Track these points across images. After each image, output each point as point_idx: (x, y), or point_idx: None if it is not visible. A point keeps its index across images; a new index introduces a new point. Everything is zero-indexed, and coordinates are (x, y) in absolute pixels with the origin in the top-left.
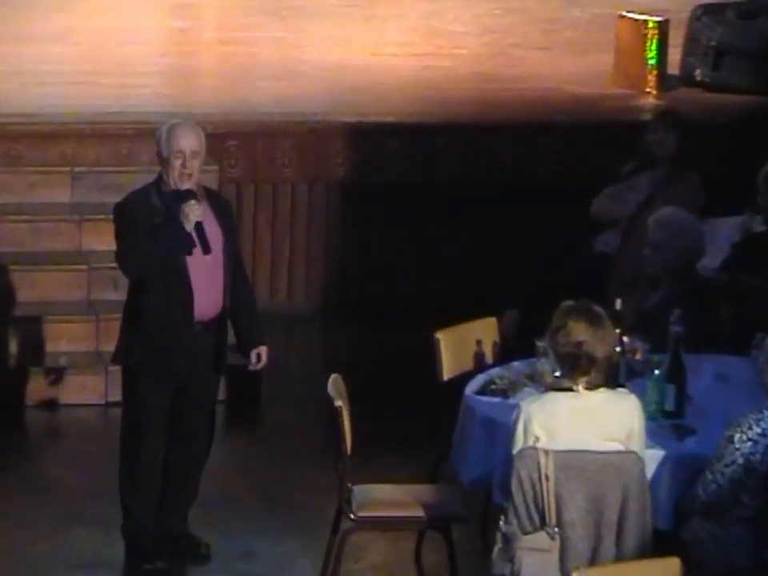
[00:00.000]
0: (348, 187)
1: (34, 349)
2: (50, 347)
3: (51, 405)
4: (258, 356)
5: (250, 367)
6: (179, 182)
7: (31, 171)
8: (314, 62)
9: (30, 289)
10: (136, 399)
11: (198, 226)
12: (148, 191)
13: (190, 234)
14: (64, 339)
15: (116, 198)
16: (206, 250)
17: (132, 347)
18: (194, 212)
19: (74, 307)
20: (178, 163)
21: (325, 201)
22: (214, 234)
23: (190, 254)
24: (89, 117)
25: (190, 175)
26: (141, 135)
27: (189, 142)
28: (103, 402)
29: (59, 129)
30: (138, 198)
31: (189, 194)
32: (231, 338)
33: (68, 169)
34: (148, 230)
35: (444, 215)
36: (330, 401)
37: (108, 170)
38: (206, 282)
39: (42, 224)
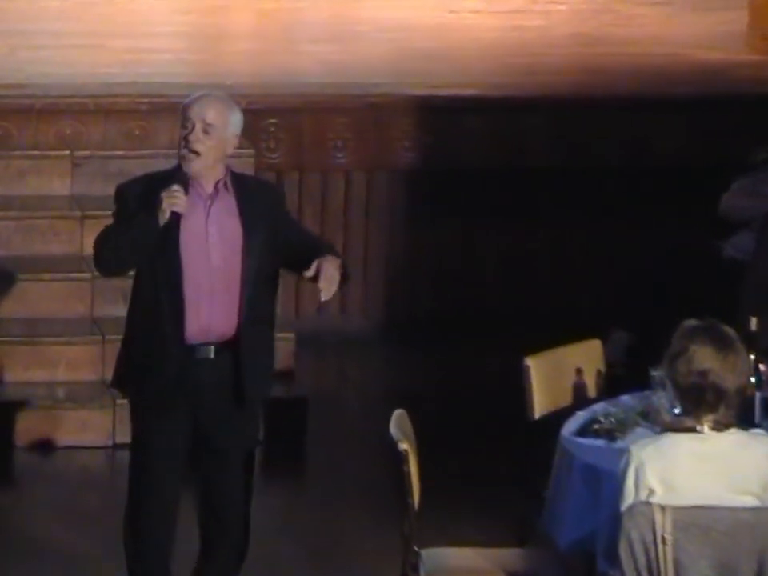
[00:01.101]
0: (416, 176)
1: (24, 377)
2: (44, 375)
3: (46, 446)
4: (320, 265)
5: (306, 273)
6: (182, 161)
7: (21, 156)
8: (374, 21)
9: (18, 302)
10: (137, 436)
11: (174, 222)
12: (165, 175)
13: (156, 229)
14: (61, 365)
15: None
16: (171, 252)
17: (125, 371)
18: (171, 201)
19: (74, 326)
20: (183, 134)
21: (387, 193)
22: (231, 234)
23: (161, 252)
24: (92, 88)
25: (196, 153)
26: (157, 111)
27: (202, 110)
28: (110, 444)
29: (56, 103)
30: (145, 180)
31: (181, 178)
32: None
33: (67, 153)
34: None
35: (535, 211)
36: (392, 443)
37: (116, 154)
38: (212, 294)
39: (34, 221)
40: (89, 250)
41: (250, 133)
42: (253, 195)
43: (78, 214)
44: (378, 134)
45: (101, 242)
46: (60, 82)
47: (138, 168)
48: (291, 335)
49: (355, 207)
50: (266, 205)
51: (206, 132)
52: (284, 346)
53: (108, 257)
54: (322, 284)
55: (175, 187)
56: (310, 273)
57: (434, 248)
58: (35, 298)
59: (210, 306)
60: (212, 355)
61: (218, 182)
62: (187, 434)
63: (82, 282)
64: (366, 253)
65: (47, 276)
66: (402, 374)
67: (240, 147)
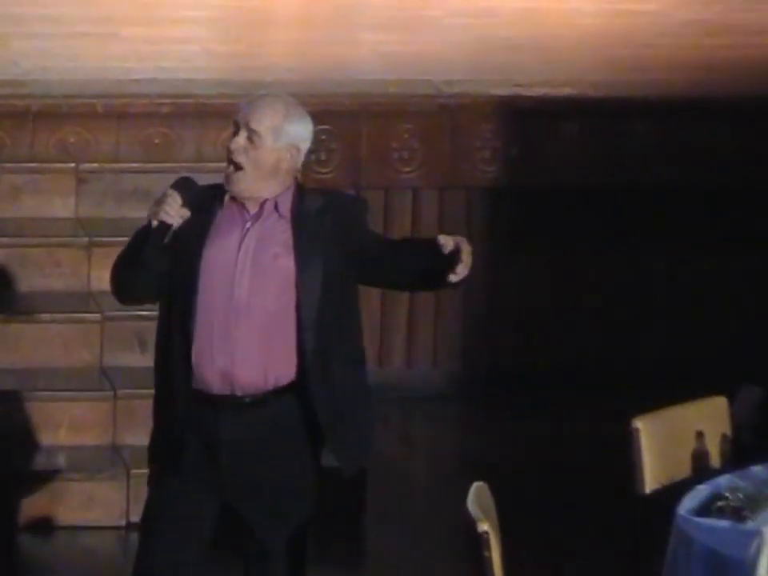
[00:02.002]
0: (499, 196)
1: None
2: (43, 438)
3: (44, 526)
4: (456, 244)
5: (444, 248)
6: (224, 175)
7: (14, 169)
8: (447, 4)
9: (11, 349)
10: (146, 503)
11: (197, 245)
12: (213, 188)
13: (150, 243)
14: (64, 427)
15: (142, 211)
16: (188, 282)
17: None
18: (163, 207)
19: (80, 377)
20: (231, 137)
21: (464, 215)
22: (271, 267)
23: (149, 267)
24: (102, 87)
25: (238, 166)
26: (181, 115)
27: (249, 114)
28: (122, 524)
29: (57, 105)
30: (196, 191)
31: (209, 191)
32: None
33: (71, 166)
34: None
35: (644, 238)
36: (470, 523)
37: (131, 167)
38: (231, 337)
39: (30, 250)
40: (97, 284)
41: None
42: (318, 217)
43: (85, 240)
44: (453, 143)
45: (115, 263)
46: (62, 79)
47: (158, 184)
48: None
49: (423, 233)
50: (335, 225)
51: (250, 140)
52: None
53: (114, 272)
54: (464, 257)
55: (169, 191)
56: (448, 246)
57: (520, 284)
58: (31, 343)
59: (230, 350)
60: (240, 410)
61: (264, 202)
62: (210, 505)
63: (88, 324)
64: (439, 294)
65: (46, 316)
66: (480, 437)
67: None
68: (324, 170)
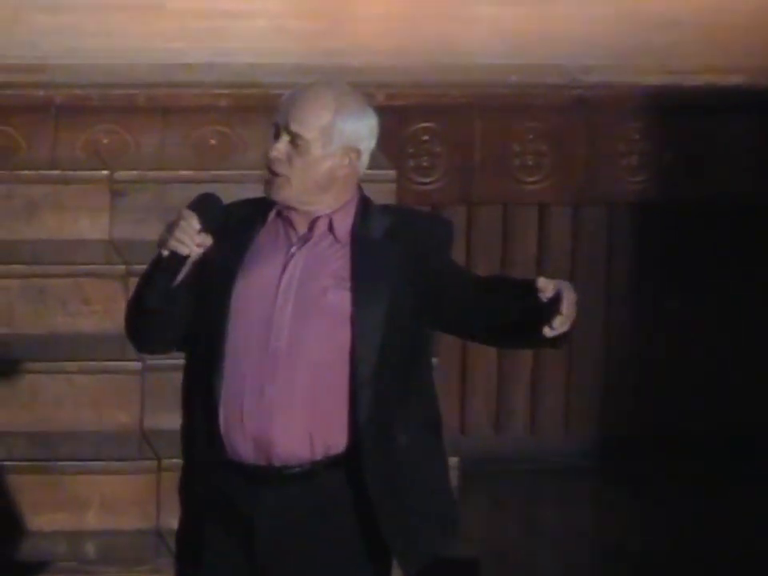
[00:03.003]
0: (650, 213)
1: (34, 524)
2: (66, 521)
3: None
4: (557, 290)
5: (543, 294)
6: (264, 186)
7: (32, 179)
8: None
9: (28, 407)
10: None
11: (228, 274)
12: (258, 204)
13: (163, 276)
14: (94, 507)
15: None
16: (216, 319)
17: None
18: (175, 233)
19: (115, 443)
20: (271, 142)
21: (604, 238)
22: (320, 301)
23: (159, 309)
24: (144, 74)
25: (278, 176)
26: (245, 110)
27: (289, 113)
28: None
29: (86, 97)
30: (240, 206)
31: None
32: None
33: (104, 174)
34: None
35: None
36: None
37: (180, 176)
38: (268, 393)
39: (51, 282)
40: None
41: (390, 144)
42: (385, 242)
43: (121, 269)
44: (590, 146)
45: (131, 297)
46: (93, 64)
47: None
48: (454, 461)
49: (553, 260)
50: (407, 253)
51: (294, 145)
52: None
53: (126, 316)
54: (564, 309)
55: (184, 212)
56: (548, 293)
57: (674, 327)
58: (52, 399)
59: (266, 411)
60: (279, 486)
61: (316, 220)
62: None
63: (126, 375)
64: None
65: (71, 366)
66: (621, 522)
67: (374, 167)
68: (426, 181)
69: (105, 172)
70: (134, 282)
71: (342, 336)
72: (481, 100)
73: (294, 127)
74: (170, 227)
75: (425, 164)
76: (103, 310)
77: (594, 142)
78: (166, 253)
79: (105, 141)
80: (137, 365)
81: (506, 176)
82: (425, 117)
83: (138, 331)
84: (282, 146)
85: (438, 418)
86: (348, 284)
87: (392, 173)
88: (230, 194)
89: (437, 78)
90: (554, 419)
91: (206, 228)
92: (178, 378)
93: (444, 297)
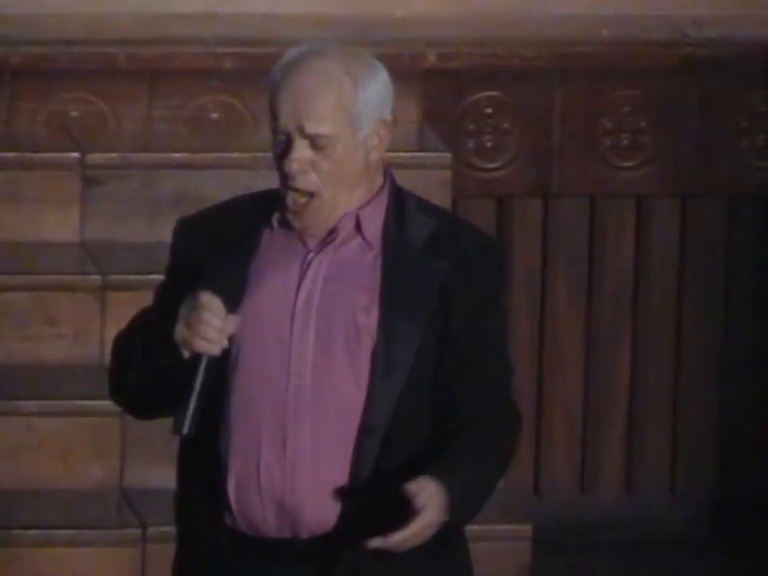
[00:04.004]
0: None
1: None
2: None
3: None
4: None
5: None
6: (288, 212)
7: None
8: None
9: None
10: None
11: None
12: (261, 200)
13: (176, 366)
14: None
15: None
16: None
17: None
18: (198, 330)
19: (89, 505)
20: (275, 151)
21: (722, 239)
22: (356, 325)
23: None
24: (126, 27)
25: (307, 194)
26: (256, 74)
27: (299, 108)
28: None
29: (52, 57)
30: (228, 213)
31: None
32: None
33: (74, 157)
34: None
35: None
36: None
37: (173, 160)
38: (290, 443)
39: (10, 297)
40: None
41: (444, 119)
42: (426, 250)
43: (96, 280)
44: (703, 121)
45: (119, 342)
46: (60, 15)
47: (216, 187)
48: (525, 530)
49: (655, 269)
50: (453, 275)
51: (316, 148)
52: (510, 552)
53: (116, 376)
54: (406, 533)
55: (203, 299)
56: (411, 493)
57: None
58: (8, 449)
59: (289, 466)
60: (308, 565)
61: (339, 222)
62: None
63: (102, 418)
64: (678, 372)
65: (32, 406)
66: None
67: (419, 148)
68: (490, 166)
69: (75, 154)
70: (113, 296)
71: (363, 369)
72: (562, 62)
73: (311, 128)
74: (189, 319)
75: (488, 144)
76: (73, 333)
77: (708, 115)
78: (186, 354)
79: (75, 113)
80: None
81: (593, 159)
82: (488, 83)
83: (131, 398)
84: (305, 152)
85: None
86: (377, 301)
87: (446, 156)
88: (236, 184)
89: (504, 34)
90: (655, 478)
91: (198, 262)
92: (168, 421)
93: (447, 362)
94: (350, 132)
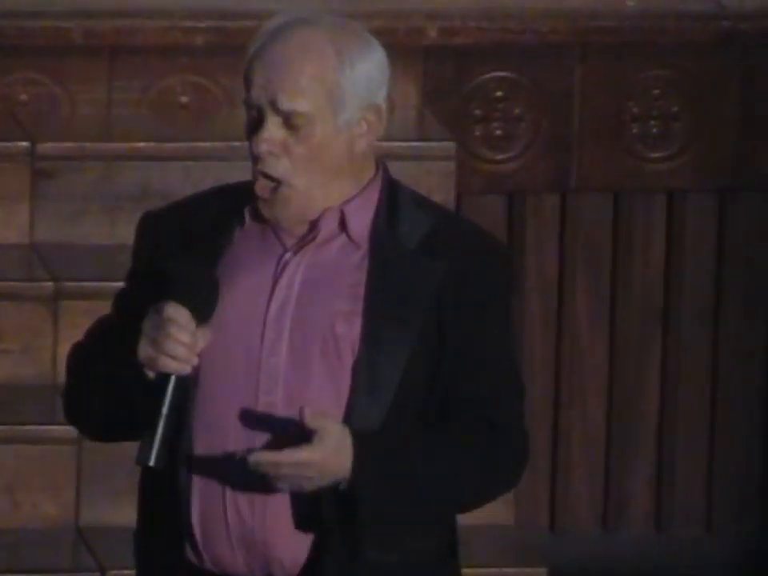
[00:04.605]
0: None
1: None
2: None
3: None
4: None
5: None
6: (258, 197)
7: None
8: None
9: None
10: None
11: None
12: (237, 193)
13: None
14: None
15: None
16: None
17: None
18: (164, 347)
19: (40, 545)
20: (249, 128)
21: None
22: (334, 336)
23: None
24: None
25: (273, 180)
26: (229, 51)
27: (271, 78)
28: None
29: None
30: (187, 207)
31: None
32: None
33: (22, 147)
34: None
35: None
36: None
37: (136, 150)
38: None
39: None
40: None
41: (447, 103)
42: (420, 253)
43: (48, 287)
44: (743, 106)
45: (74, 358)
46: None
47: (185, 181)
48: (540, 573)
49: (689, 273)
50: (451, 277)
51: (290, 127)
52: None
53: (72, 398)
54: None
55: (169, 311)
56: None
57: None
58: None
59: (260, 500)
60: None
61: (320, 218)
62: None
63: (56, 446)
64: (714, 393)
65: None
66: None
67: (419, 137)
68: (500, 157)
69: (24, 144)
70: (67, 306)
71: (342, 385)
72: (583, 37)
73: (284, 103)
74: (154, 335)
75: (498, 132)
76: (20, 348)
77: (750, 98)
78: (151, 374)
79: (23, 96)
80: (71, 431)
81: (619, 149)
82: (498, 62)
83: (93, 432)
84: (273, 132)
85: (451, 534)
86: (360, 308)
87: (449, 145)
88: (209, 177)
89: (515, 5)
90: (688, 514)
91: (165, 258)
92: (131, 449)
93: (449, 360)
94: (330, 113)
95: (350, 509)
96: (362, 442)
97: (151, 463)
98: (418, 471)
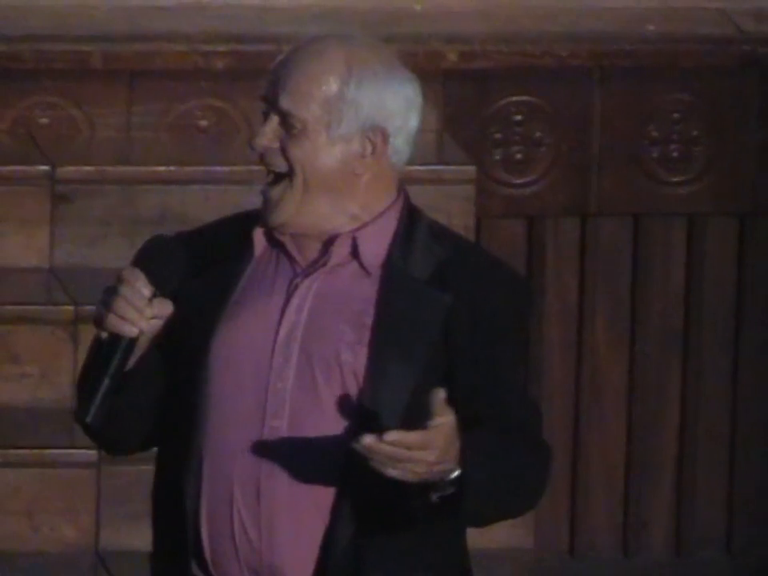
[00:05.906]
0: None
1: None
2: None
3: None
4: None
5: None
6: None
7: None
8: None
9: None
10: None
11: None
12: (243, 220)
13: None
14: None
15: None
16: (186, 393)
17: None
18: (115, 306)
19: (61, 570)
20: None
21: None
22: (339, 365)
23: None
24: (101, 21)
25: (273, 174)
26: (249, 76)
27: (281, 79)
28: None
29: (17, 55)
30: (197, 234)
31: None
32: None
33: (42, 171)
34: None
35: None
36: None
37: (156, 174)
38: (266, 498)
39: None
40: None
41: (467, 127)
42: (432, 287)
43: (68, 311)
44: (767, 128)
45: (79, 375)
46: (25, 6)
47: (206, 205)
48: None
49: (709, 300)
50: (461, 309)
51: (287, 128)
52: None
53: (78, 402)
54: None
55: (126, 272)
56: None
57: None
58: None
59: (266, 523)
60: None
61: (333, 239)
62: None
63: (75, 470)
64: (735, 417)
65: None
66: None
67: (438, 160)
68: (520, 181)
69: (44, 167)
70: (86, 331)
71: (344, 416)
72: (603, 60)
73: (284, 102)
74: (107, 297)
75: (518, 156)
76: (40, 373)
77: None
78: (105, 335)
79: (43, 120)
80: (90, 455)
81: (639, 173)
82: (518, 86)
83: (93, 436)
84: (272, 128)
85: (459, 556)
86: (367, 338)
87: (469, 169)
88: (228, 200)
89: (535, 29)
90: (709, 538)
91: (162, 284)
92: (148, 473)
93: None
94: (324, 123)
95: (454, 500)
96: (466, 436)
97: (88, 420)
98: (508, 466)
